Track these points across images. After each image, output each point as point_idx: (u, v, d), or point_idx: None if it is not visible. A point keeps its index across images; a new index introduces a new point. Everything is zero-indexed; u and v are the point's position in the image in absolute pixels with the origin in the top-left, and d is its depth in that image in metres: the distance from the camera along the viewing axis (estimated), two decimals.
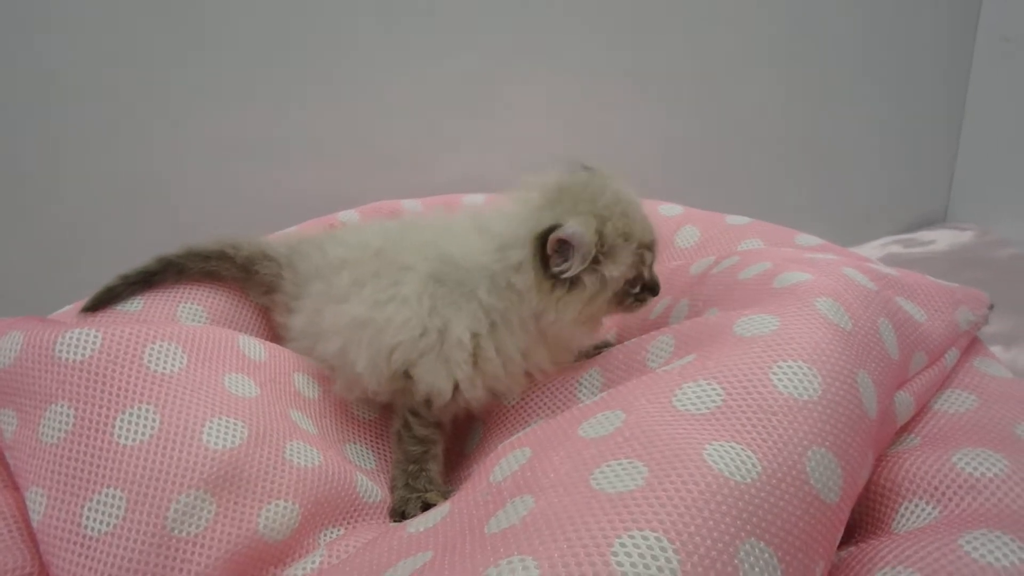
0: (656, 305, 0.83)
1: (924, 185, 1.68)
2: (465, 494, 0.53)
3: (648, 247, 0.70)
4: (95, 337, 0.58)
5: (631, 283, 0.69)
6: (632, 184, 0.72)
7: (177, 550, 0.52)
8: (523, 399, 0.74)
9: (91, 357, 0.57)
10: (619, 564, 0.36)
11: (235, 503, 0.56)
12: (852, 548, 0.54)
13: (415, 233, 0.75)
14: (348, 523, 0.64)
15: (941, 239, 1.60)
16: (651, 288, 0.72)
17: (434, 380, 0.68)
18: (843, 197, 1.59)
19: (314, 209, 1.08)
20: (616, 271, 0.67)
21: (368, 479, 0.69)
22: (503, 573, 0.37)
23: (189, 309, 0.78)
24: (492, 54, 1.21)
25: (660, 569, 0.36)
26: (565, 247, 0.64)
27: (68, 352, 0.57)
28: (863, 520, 0.59)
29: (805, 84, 1.45)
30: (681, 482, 0.42)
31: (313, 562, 0.56)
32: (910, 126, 1.59)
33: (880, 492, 0.59)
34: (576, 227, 0.63)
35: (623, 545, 0.37)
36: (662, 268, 0.95)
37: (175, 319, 0.78)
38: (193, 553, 0.53)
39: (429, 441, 0.71)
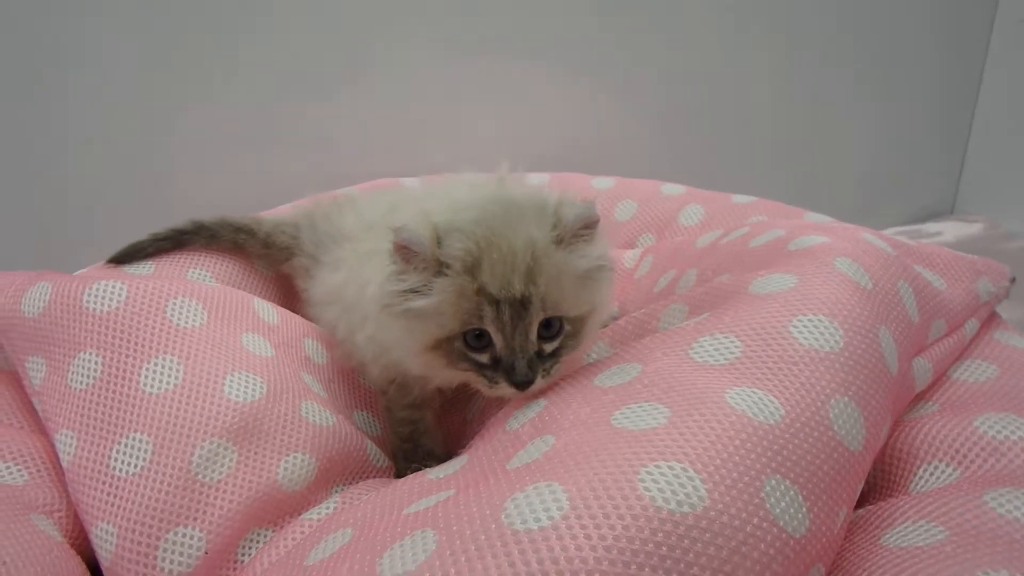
0: (660, 278, 0.83)
1: (932, 176, 1.68)
2: (482, 443, 0.54)
3: (495, 303, 0.51)
4: (121, 289, 0.59)
5: (471, 343, 0.53)
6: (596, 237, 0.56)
7: (201, 494, 0.53)
8: None
9: (117, 308, 0.58)
10: (647, 490, 0.37)
11: (255, 453, 0.57)
12: (870, 506, 0.54)
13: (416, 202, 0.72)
14: (360, 482, 0.65)
15: (948, 231, 1.59)
16: (506, 370, 0.52)
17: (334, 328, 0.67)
18: (847, 187, 1.59)
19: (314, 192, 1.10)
20: (428, 303, 0.51)
21: (375, 445, 0.70)
22: (529, 497, 0.37)
23: (198, 275, 0.79)
24: (486, 41, 1.22)
25: (688, 495, 0.37)
26: (411, 256, 0.52)
27: (95, 303, 0.59)
28: (879, 483, 0.59)
29: (810, 72, 1.45)
30: (704, 420, 0.42)
31: (328, 508, 0.57)
32: (919, 114, 1.59)
33: (897, 456, 0.59)
34: (410, 230, 0.51)
35: (649, 473, 0.38)
36: (664, 244, 0.96)
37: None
38: (216, 497, 0.54)
39: (412, 421, 0.70)
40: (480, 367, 0.54)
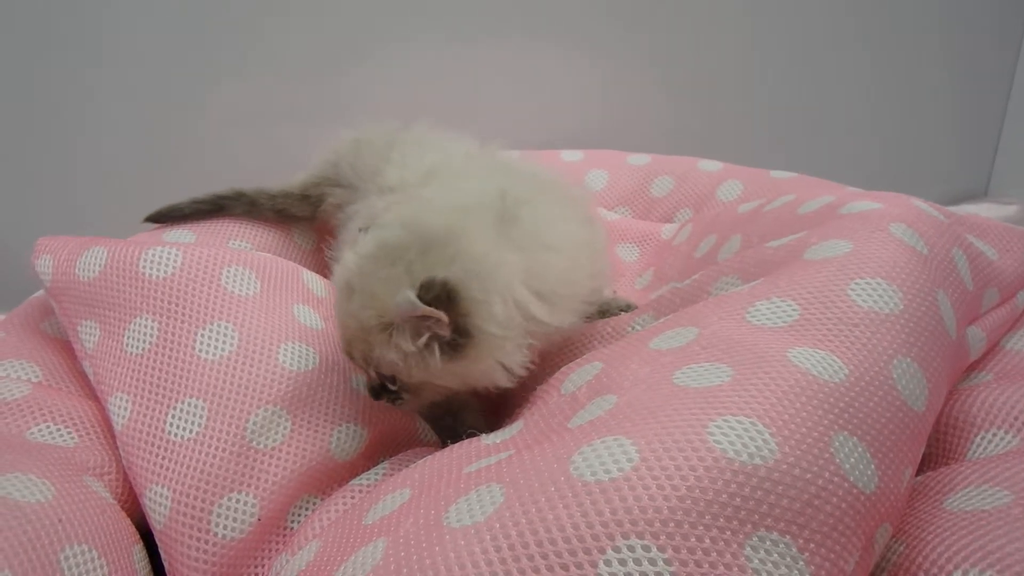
0: (701, 243, 0.82)
1: (966, 158, 1.64)
2: (535, 408, 0.53)
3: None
4: (176, 255, 0.60)
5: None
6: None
7: (256, 460, 0.54)
8: (570, 338, 0.71)
9: (173, 274, 0.59)
10: (717, 442, 0.36)
11: (309, 422, 0.57)
12: (929, 473, 0.54)
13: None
14: (407, 450, 0.65)
15: (983, 213, 1.54)
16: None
17: None
18: (881, 168, 1.56)
19: None
20: None
21: (424, 420, 0.70)
22: (597, 450, 0.37)
23: (239, 245, 0.79)
24: (516, 16, 1.21)
25: (759, 448, 0.36)
26: None
27: (151, 269, 0.59)
28: (935, 451, 0.58)
29: (845, 50, 1.42)
30: (769, 378, 0.41)
31: (377, 474, 0.57)
32: (954, 95, 1.55)
33: (953, 424, 0.58)
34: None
35: (719, 427, 0.37)
36: (703, 215, 0.96)
37: None
38: (270, 464, 0.54)
39: (445, 401, 0.67)
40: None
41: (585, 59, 1.28)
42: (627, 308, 0.77)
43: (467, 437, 0.56)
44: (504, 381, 0.56)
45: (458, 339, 0.51)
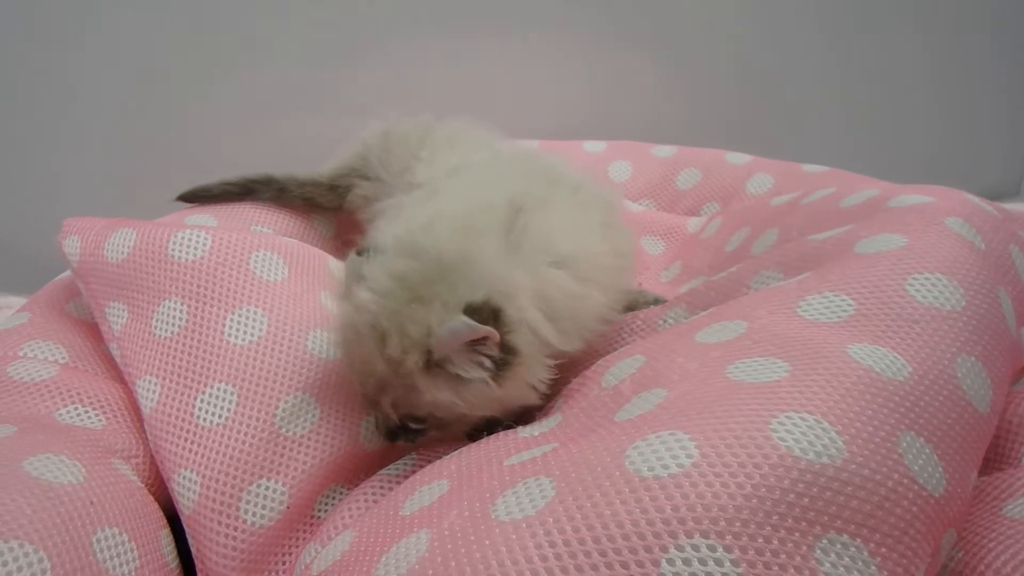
0: (732, 236, 0.80)
1: (997, 157, 1.61)
2: (576, 401, 0.52)
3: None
4: (205, 239, 0.59)
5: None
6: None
7: (285, 447, 0.53)
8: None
9: (202, 258, 0.58)
10: (781, 439, 0.34)
11: (338, 410, 0.56)
12: (984, 477, 0.51)
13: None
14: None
15: None
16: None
17: None
18: (909, 167, 1.53)
19: None
20: None
21: None
22: (653, 445, 0.35)
23: (260, 232, 0.77)
24: (528, 7, 1.19)
25: (826, 447, 0.34)
26: None
27: (180, 251, 0.58)
28: (986, 456, 0.56)
29: (875, 50, 1.40)
30: (830, 375, 0.39)
31: (406, 464, 0.56)
32: (984, 94, 1.52)
33: (1005, 427, 0.56)
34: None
35: (781, 424, 0.35)
36: (733, 207, 0.93)
37: None
38: (299, 452, 0.53)
39: None
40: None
41: (603, 50, 1.26)
42: (655, 301, 0.75)
43: (503, 430, 0.54)
44: (535, 399, 0.54)
45: (507, 357, 0.49)
